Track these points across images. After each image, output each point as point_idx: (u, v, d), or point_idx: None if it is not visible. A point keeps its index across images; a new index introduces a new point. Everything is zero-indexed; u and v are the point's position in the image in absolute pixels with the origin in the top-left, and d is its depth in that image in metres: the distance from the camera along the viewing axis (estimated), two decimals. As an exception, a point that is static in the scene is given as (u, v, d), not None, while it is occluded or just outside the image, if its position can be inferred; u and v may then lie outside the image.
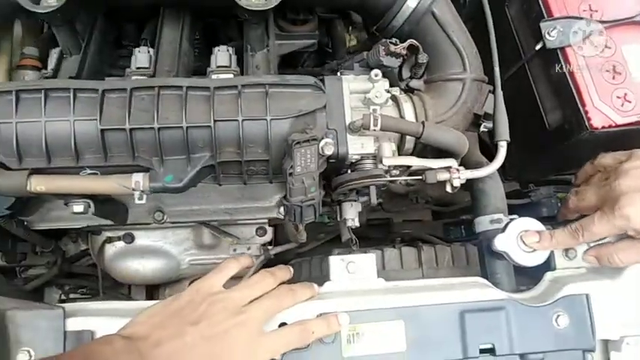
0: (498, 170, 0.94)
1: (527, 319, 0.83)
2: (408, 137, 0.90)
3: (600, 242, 0.88)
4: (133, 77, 0.89)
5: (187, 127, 0.77)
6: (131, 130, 0.77)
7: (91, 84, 0.79)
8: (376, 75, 0.88)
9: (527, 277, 0.94)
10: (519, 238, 0.86)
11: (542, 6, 1.00)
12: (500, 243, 0.86)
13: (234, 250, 1.07)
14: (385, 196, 1.25)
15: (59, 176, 0.79)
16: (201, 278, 0.80)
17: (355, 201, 0.96)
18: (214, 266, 0.84)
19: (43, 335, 0.76)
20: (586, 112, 0.93)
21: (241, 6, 0.85)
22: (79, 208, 0.80)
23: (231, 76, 0.90)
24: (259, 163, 0.83)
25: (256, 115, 0.80)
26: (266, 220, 1.05)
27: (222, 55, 0.94)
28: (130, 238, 1.05)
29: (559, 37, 0.96)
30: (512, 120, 0.96)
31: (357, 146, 0.84)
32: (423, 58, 0.93)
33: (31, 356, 0.75)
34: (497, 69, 0.97)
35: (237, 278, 0.83)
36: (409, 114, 0.91)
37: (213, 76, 0.90)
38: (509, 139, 0.94)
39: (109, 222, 0.93)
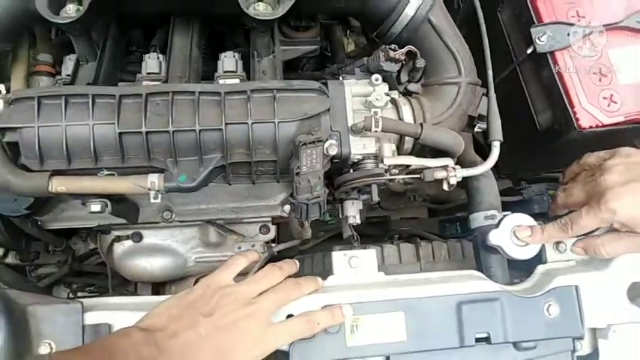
0: (492, 169, 0.96)
1: (520, 309, 0.85)
2: (407, 138, 0.92)
3: (588, 235, 0.90)
4: (144, 82, 0.92)
5: (200, 130, 0.80)
6: (147, 133, 0.79)
7: (109, 90, 0.81)
8: (377, 79, 0.90)
9: (520, 270, 0.96)
10: (512, 233, 0.89)
11: (532, 12, 1.02)
12: (494, 237, 0.89)
13: (239, 247, 1.09)
14: (383, 194, 1.28)
15: (79, 177, 0.81)
16: (212, 273, 0.83)
17: (356, 199, 0.99)
18: (220, 264, 0.86)
19: (63, 328, 0.78)
20: (574, 113, 0.95)
21: (249, 15, 0.87)
22: (96, 207, 0.83)
23: (237, 80, 0.93)
24: (267, 163, 0.86)
25: (265, 118, 0.82)
26: (270, 219, 1.06)
27: (228, 60, 0.96)
28: (138, 237, 1.06)
29: (549, 41, 0.98)
30: (505, 121, 0.98)
31: (359, 147, 0.87)
32: (420, 63, 0.96)
33: (52, 348, 0.77)
34: (490, 72, 0.99)
35: (243, 275, 0.85)
36: (408, 116, 0.94)
37: (221, 81, 0.93)
38: (502, 139, 0.96)
39: (121, 221, 0.95)
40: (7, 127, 0.79)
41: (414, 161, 0.89)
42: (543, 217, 0.97)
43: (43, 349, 0.77)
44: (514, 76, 1.10)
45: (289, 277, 0.85)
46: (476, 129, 1.01)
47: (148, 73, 0.94)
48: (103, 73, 0.93)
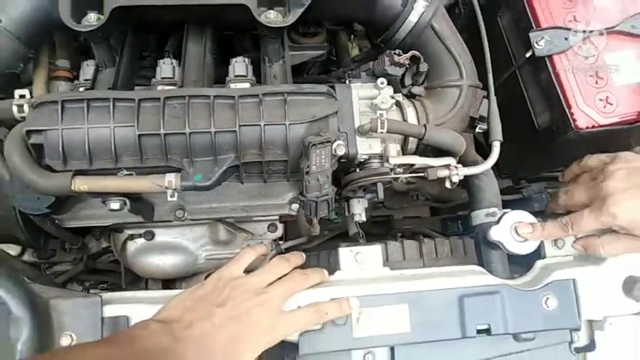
0: (493, 168, 0.98)
1: (519, 302, 0.87)
2: (411, 138, 0.95)
3: (588, 235, 0.92)
4: (159, 87, 0.93)
5: (215, 132, 0.83)
6: (165, 135, 0.82)
7: (128, 94, 0.84)
8: (382, 83, 0.93)
9: (520, 265, 0.98)
10: (513, 229, 0.91)
11: (531, 17, 1.03)
12: (495, 233, 0.91)
13: (248, 245, 1.08)
14: (387, 194, 1.29)
15: (100, 177, 0.84)
16: (222, 267, 0.85)
17: (362, 197, 1.01)
18: (229, 261, 0.88)
19: (83, 321, 0.81)
20: (572, 114, 0.96)
21: (262, 23, 0.90)
22: (115, 205, 0.85)
23: (248, 85, 0.94)
24: (278, 163, 0.88)
25: (276, 120, 0.85)
26: (277, 217, 1.07)
27: (239, 65, 0.98)
28: (150, 236, 1.07)
29: (547, 45, 0.99)
30: (505, 122, 1.00)
31: (365, 147, 0.90)
32: (423, 67, 0.99)
33: (72, 340, 0.80)
34: (490, 76, 1.01)
35: (251, 270, 0.87)
36: (412, 117, 0.96)
37: (232, 85, 0.94)
38: (502, 139, 0.98)
39: (135, 220, 0.96)
40: (32, 130, 0.81)
41: (418, 161, 0.92)
42: (542, 215, 0.98)
43: (65, 341, 0.79)
44: (514, 79, 1.12)
45: (296, 268, 0.88)
46: (477, 130, 1.03)
47: (163, 78, 0.96)
48: (121, 78, 0.96)
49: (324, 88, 0.89)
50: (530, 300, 0.88)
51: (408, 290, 0.86)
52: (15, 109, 0.85)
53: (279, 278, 0.84)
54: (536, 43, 1.00)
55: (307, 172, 0.83)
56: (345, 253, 0.91)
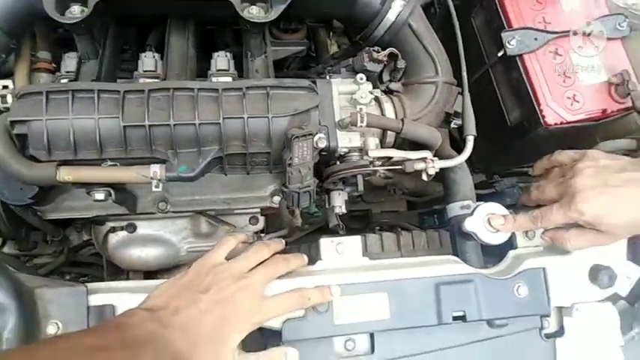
0: (467, 163, 1.01)
1: (492, 290, 0.90)
2: (389, 132, 0.96)
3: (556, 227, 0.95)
4: (141, 80, 0.94)
5: (199, 124, 0.83)
6: (150, 126, 0.82)
7: (113, 86, 0.84)
8: (361, 78, 0.95)
9: (493, 255, 1.00)
10: (486, 221, 0.93)
11: (503, 18, 1.06)
12: (469, 224, 0.93)
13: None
14: (365, 188, 1.32)
15: (85, 167, 0.84)
16: (204, 255, 0.86)
17: (342, 190, 1.03)
18: None
19: (69, 310, 0.81)
20: (541, 111, 1.00)
21: (244, 18, 0.92)
22: (100, 195, 0.85)
23: (229, 79, 0.95)
24: (261, 155, 0.90)
25: (259, 113, 0.86)
26: (259, 210, 1.08)
27: (221, 59, 0.99)
28: (132, 228, 1.07)
29: (518, 45, 1.02)
30: (478, 118, 1.02)
31: (345, 140, 0.91)
32: (401, 64, 1.01)
33: (59, 328, 0.80)
34: (464, 73, 1.03)
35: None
36: (390, 112, 0.98)
37: (214, 79, 0.95)
38: (475, 133, 1.00)
39: (117, 212, 0.96)
40: (16, 120, 0.81)
41: (396, 154, 0.93)
42: (514, 207, 1.00)
43: (51, 329, 0.79)
44: (486, 77, 1.14)
45: (276, 253, 0.89)
46: (452, 125, 1.05)
47: (145, 71, 0.96)
48: (105, 71, 0.96)
49: (305, 83, 0.91)
50: (502, 288, 0.91)
51: (386, 279, 0.88)
52: (-2, 99, 0.85)
53: (260, 263, 0.86)
54: (508, 42, 1.03)
55: (290, 164, 0.85)
56: (326, 243, 0.93)
